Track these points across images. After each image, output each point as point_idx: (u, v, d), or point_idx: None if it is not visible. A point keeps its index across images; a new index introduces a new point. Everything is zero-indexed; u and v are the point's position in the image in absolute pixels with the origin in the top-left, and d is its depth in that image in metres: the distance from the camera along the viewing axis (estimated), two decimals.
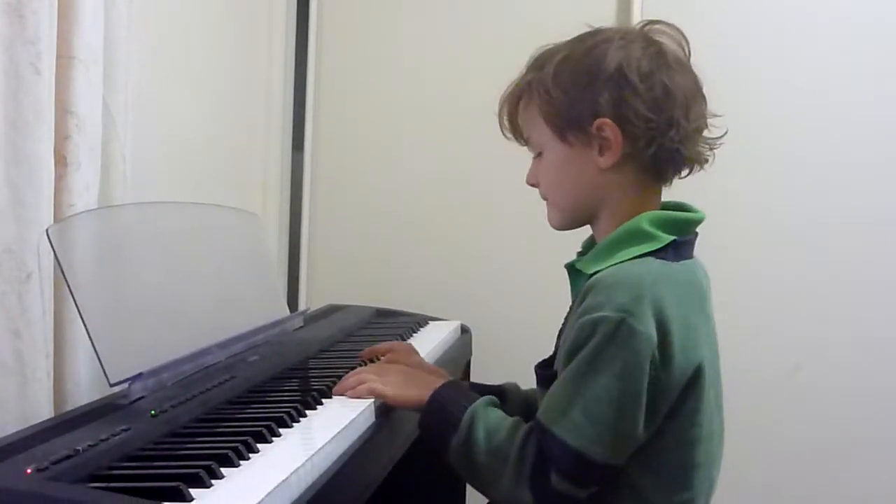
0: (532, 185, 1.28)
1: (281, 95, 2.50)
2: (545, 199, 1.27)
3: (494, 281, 2.42)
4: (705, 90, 1.22)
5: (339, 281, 2.52)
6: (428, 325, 2.06)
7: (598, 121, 1.16)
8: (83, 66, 1.38)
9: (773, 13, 2.36)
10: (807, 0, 2.36)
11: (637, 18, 2.27)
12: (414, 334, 1.93)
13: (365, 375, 1.32)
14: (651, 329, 1.08)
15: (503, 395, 1.41)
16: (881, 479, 2.33)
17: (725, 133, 1.23)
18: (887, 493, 2.33)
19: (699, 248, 1.23)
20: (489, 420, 1.16)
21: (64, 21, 1.34)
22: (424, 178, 2.49)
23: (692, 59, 1.23)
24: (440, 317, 2.17)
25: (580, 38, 1.22)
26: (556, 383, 1.13)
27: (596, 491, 1.11)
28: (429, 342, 1.84)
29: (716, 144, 1.23)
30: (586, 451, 1.07)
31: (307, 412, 1.24)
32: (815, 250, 2.34)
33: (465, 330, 2.13)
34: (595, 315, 1.09)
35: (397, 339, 1.80)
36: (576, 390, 1.09)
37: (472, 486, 1.20)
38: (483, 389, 1.42)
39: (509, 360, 1.47)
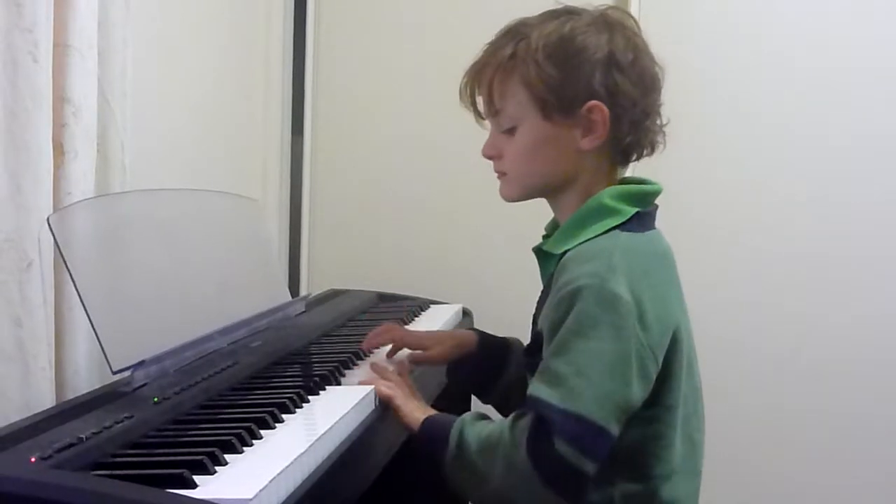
0: (489, 158, 1.26)
1: (280, 79, 2.49)
2: (502, 172, 1.25)
3: (496, 264, 2.42)
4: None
5: (341, 265, 2.51)
6: (429, 309, 2.07)
7: (591, 102, 1.16)
8: (78, 54, 1.37)
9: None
10: None
11: (635, 8, 2.27)
12: (415, 318, 1.94)
13: (397, 389, 1.30)
14: (629, 296, 1.09)
15: (508, 348, 1.43)
16: (882, 459, 2.33)
17: (668, 122, 1.24)
18: (888, 472, 2.33)
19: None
20: (477, 425, 1.16)
21: (59, 8, 1.34)
22: (425, 162, 2.48)
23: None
24: (442, 300, 2.17)
25: (554, 14, 1.21)
26: (545, 357, 1.12)
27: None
28: (430, 326, 1.85)
29: (664, 131, 1.24)
30: (589, 415, 1.06)
31: (309, 398, 1.24)
32: (814, 228, 2.33)
33: (466, 313, 2.13)
34: (573, 286, 1.10)
35: (399, 324, 1.81)
36: (568, 359, 1.08)
37: (470, 494, 1.17)
38: (491, 340, 1.45)
39: None
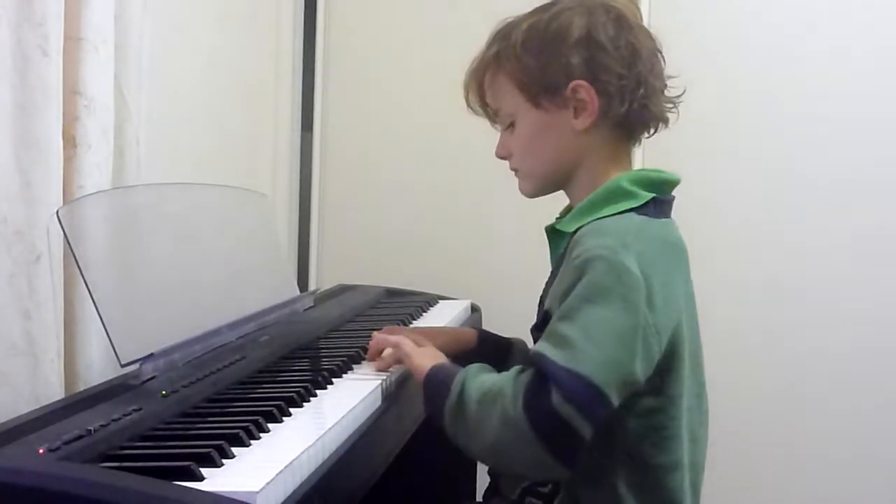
0: (502, 158, 1.28)
1: (290, 75, 2.49)
2: (516, 170, 1.27)
3: (505, 260, 2.42)
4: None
5: (349, 260, 2.52)
6: (438, 305, 2.07)
7: (573, 83, 1.18)
8: (91, 47, 1.37)
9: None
10: None
11: (646, 6, 2.26)
12: (424, 314, 1.93)
13: (404, 340, 1.32)
14: (639, 273, 1.08)
15: (510, 349, 1.43)
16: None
17: (684, 92, 1.24)
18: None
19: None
20: (481, 376, 1.14)
21: (72, 2, 1.34)
22: (433, 158, 2.48)
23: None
24: (450, 296, 2.17)
25: (541, 8, 1.23)
26: (552, 322, 1.11)
27: (596, 457, 1.10)
28: (439, 321, 1.85)
29: (677, 102, 1.25)
30: (591, 377, 1.04)
31: (317, 392, 1.24)
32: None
33: (475, 309, 2.13)
34: (585, 255, 1.09)
35: (407, 318, 1.81)
36: (575, 323, 1.07)
37: (466, 447, 1.14)
38: (492, 339, 1.46)
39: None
